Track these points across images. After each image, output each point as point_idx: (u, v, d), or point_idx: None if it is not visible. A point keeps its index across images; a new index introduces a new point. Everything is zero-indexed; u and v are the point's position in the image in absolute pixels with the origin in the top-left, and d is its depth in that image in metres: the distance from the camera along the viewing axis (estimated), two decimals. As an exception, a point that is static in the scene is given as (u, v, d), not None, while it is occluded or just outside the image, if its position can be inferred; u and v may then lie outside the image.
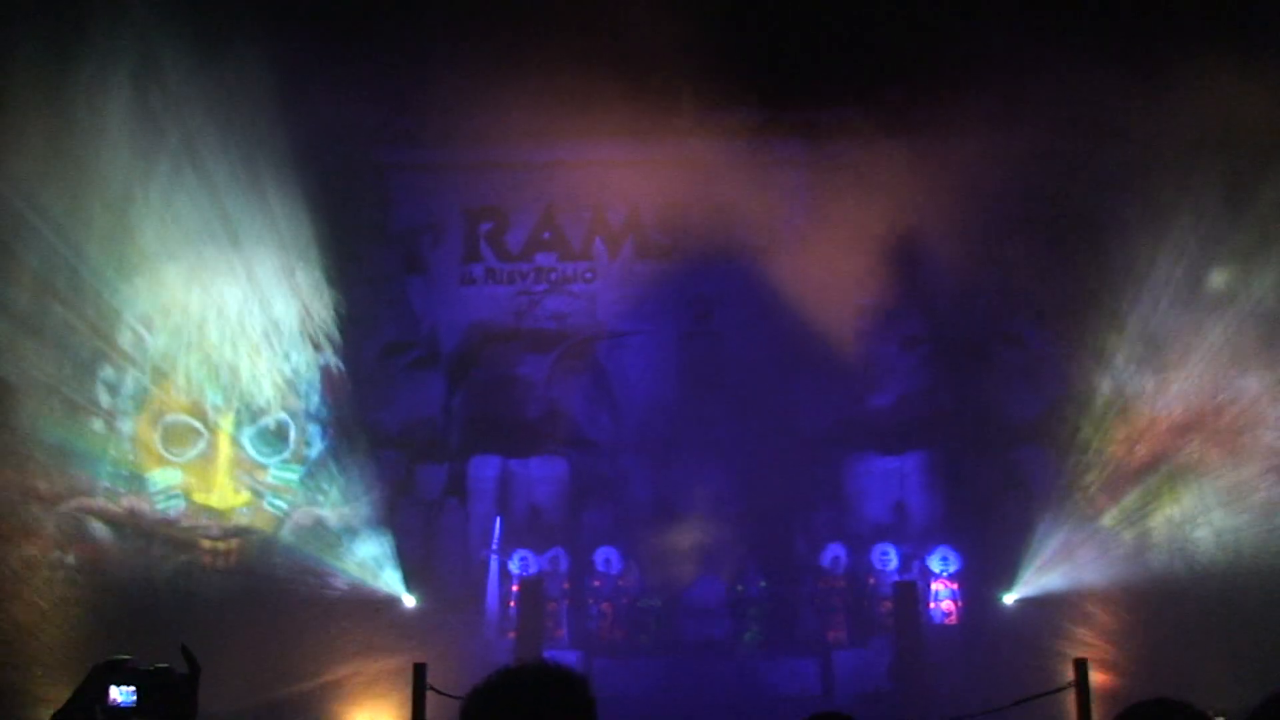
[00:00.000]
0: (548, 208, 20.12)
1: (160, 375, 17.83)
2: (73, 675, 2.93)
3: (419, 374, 19.44)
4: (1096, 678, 9.52)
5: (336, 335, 18.58)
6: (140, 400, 17.83)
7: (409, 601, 17.11)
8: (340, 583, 17.18)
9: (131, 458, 17.70)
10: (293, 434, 18.24)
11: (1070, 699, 8.24)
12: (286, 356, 18.32)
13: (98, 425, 17.37)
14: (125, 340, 17.57)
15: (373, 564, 17.37)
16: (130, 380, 17.71)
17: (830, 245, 18.17)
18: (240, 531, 17.90)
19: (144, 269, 17.37)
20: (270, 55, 16.30)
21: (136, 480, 17.73)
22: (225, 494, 17.96)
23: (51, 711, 2.74)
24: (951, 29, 18.13)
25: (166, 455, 17.85)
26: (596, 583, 17.78)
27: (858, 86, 19.48)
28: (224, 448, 18.02)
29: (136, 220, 16.97)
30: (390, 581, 17.20)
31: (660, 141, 18.82)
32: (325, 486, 18.21)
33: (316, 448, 18.27)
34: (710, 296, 19.50)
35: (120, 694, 2.78)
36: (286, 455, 18.20)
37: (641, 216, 19.80)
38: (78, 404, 17.06)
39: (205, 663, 2.89)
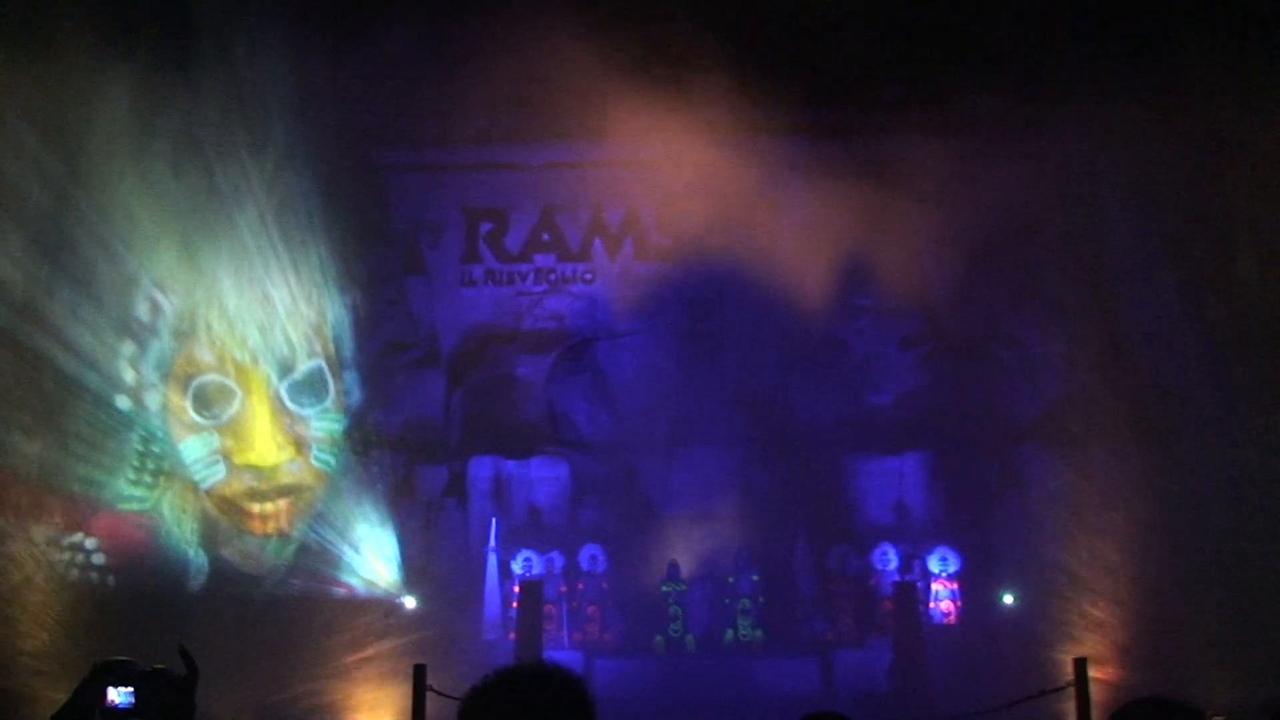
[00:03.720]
0: (547, 209, 20.10)
1: (183, 337, 17.40)
2: (71, 676, 2.92)
3: (419, 374, 19.42)
4: (1096, 677, 9.53)
5: (361, 276, 18.29)
6: (166, 369, 17.40)
7: (409, 603, 17.09)
8: (340, 583, 17.13)
9: (161, 432, 17.31)
10: (330, 382, 17.92)
11: (1070, 698, 8.25)
12: (309, 300, 17.89)
13: (122, 402, 17.00)
14: (143, 310, 17.22)
15: (372, 564, 17.30)
16: (153, 350, 17.31)
17: (829, 245, 18.17)
18: (289, 490, 17.58)
19: (152, 234, 16.90)
20: (273, 54, 16.33)
21: (170, 454, 17.37)
22: (267, 450, 17.58)
23: (49, 713, 2.74)
24: (952, 28, 18.14)
25: (200, 421, 17.43)
26: (581, 584, 17.74)
27: (857, 87, 19.46)
28: (260, 404, 17.64)
29: (135, 192, 16.58)
30: (390, 582, 17.17)
31: (659, 142, 18.81)
32: (371, 439, 17.83)
33: (355, 396, 18.12)
34: (709, 297, 19.49)
35: (118, 695, 2.78)
36: (328, 404, 17.87)
37: (641, 217, 19.80)
38: (100, 383, 16.65)
39: (203, 664, 2.89)
